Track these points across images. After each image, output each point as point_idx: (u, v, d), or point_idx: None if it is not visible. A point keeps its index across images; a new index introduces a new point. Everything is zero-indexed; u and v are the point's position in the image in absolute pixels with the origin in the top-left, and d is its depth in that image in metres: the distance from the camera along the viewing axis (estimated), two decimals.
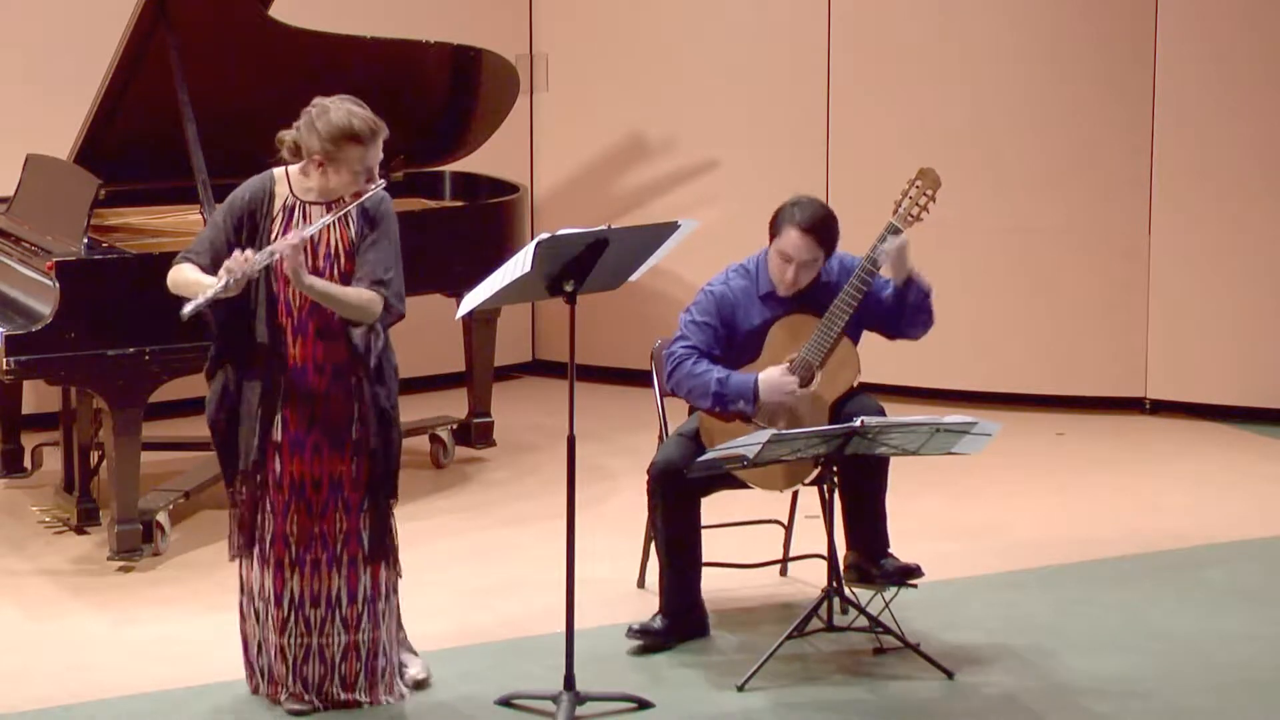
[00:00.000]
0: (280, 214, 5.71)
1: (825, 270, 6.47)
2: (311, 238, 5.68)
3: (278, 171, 5.78)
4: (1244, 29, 8.95)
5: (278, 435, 5.75)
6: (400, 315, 5.77)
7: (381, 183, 5.73)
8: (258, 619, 5.85)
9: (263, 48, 7.73)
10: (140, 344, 7.01)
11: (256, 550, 5.82)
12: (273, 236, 5.69)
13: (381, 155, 5.73)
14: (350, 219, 5.74)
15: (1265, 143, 8.98)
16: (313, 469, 5.77)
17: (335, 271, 5.72)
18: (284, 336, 5.72)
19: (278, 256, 5.59)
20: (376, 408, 5.77)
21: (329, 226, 5.71)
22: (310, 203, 5.72)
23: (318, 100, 5.73)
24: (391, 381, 5.82)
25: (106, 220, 7.88)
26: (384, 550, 5.85)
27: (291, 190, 5.74)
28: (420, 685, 6.00)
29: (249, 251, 5.58)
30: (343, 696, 5.84)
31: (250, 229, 5.71)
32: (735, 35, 9.57)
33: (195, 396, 8.97)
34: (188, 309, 5.59)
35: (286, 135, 5.74)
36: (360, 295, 5.69)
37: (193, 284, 5.65)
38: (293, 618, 5.80)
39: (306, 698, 5.82)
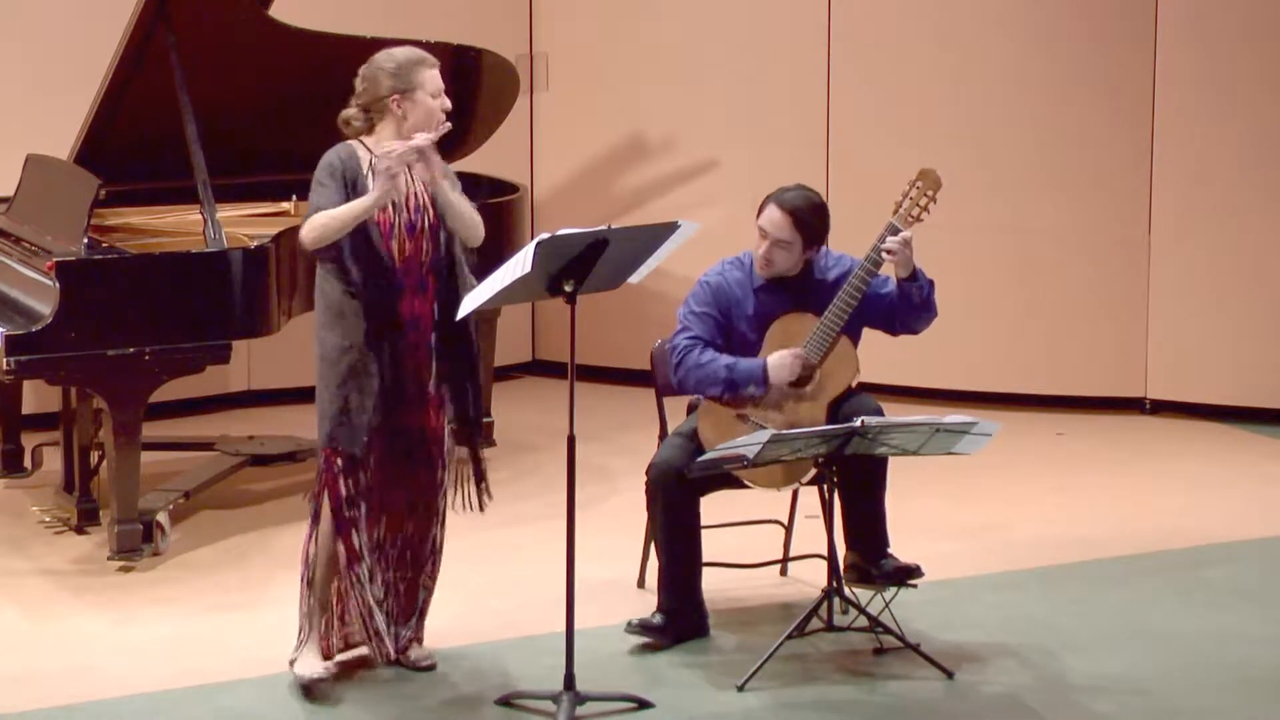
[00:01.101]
0: (369, 173, 5.84)
1: (821, 269, 6.47)
2: (399, 192, 5.86)
3: (352, 142, 5.92)
4: (1243, 30, 8.95)
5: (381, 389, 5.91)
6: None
7: (448, 124, 5.88)
8: (360, 580, 5.97)
9: (263, 48, 7.73)
10: (140, 344, 7.01)
11: (351, 511, 5.92)
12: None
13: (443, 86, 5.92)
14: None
15: (1264, 143, 8.98)
16: (402, 421, 5.95)
17: (425, 223, 5.92)
18: (388, 295, 5.87)
19: (419, 144, 5.77)
20: (466, 361, 6.00)
21: (410, 182, 5.87)
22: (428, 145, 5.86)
23: (366, 65, 5.93)
24: (479, 332, 6.07)
25: (106, 220, 7.87)
26: (444, 506, 6.09)
27: (373, 154, 5.86)
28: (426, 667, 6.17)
29: (393, 144, 5.78)
30: (408, 634, 6.12)
31: (351, 187, 5.82)
32: (735, 35, 9.57)
33: (195, 396, 9.04)
34: (386, 162, 5.72)
35: (349, 113, 5.93)
36: (474, 211, 5.97)
37: (343, 210, 5.78)
38: (382, 562, 6.02)
39: (391, 630, 6.05)
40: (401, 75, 5.86)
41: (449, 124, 5.91)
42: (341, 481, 5.92)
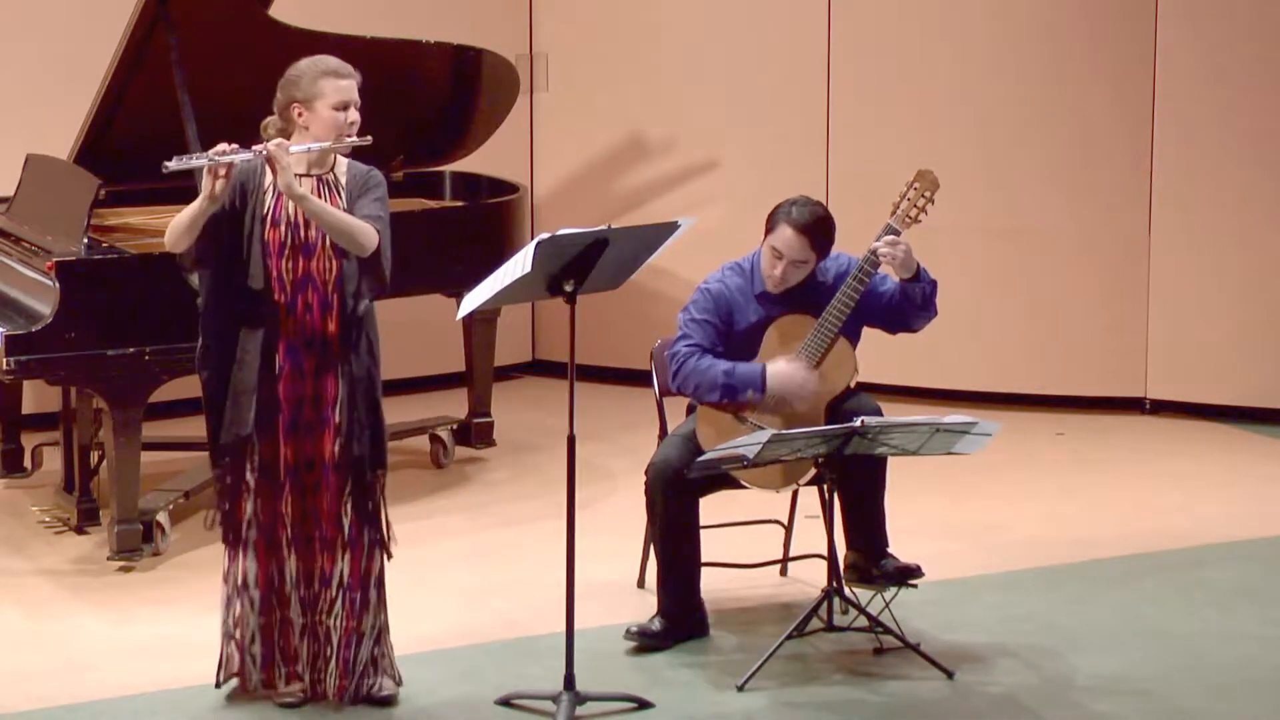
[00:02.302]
0: (270, 187, 5.73)
1: (821, 270, 6.46)
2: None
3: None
4: (1243, 29, 8.95)
5: (277, 415, 5.74)
6: (385, 283, 5.75)
7: (369, 138, 5.74)
8: (253, 606, 5.82)
9: (263, 48, 7.71)
10: (140, 344, 7.01)
11: (254, 535, 5.79)
12: (265, 209, 5.72)
13: (358, 101, 5.76)
14: (340, 189, 5.77)
15: (1265, 143, 8.98)
16: (305, 449, 5.76)
17: (328, 240, 5.72)
18: (276, 314, 5.73)
19: (264, 152, 5.61)
20: (362, 386, 5.76)
21: (319, 194, 5.70)
22: (301, 175, 5.73)
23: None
24: (375, 359, 5.80)
25: (106, 220, 7.88)
26: (370, 540, 5.81)
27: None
28: (386, 702, 5.90)
29: (224, 145, 5.64)
30: (331, 681, 5.83)
31: (241, 199, 5.72)
32: (735, 35, 9.57)
33: (195, 396, 8.99)
34: (172, 163, 5.66)
35: (269, 119, 5.81)
36: (353, 218, 5.70)
37: (185, 211, 5.68)
38: (292, 597, 5.80)
39: (299, 671, 5.83)
40: (301, 85, 5.72)
41: (355, 140, 5.71)
42: (229, 501, 5.81)
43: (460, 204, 8.79)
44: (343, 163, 5.82)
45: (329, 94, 5.72)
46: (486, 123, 8.72)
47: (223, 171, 5.61)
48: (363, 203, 5.75)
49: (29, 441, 8.24)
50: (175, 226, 5.72)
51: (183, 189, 7.63)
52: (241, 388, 5.75)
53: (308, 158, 5.73)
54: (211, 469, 5.88)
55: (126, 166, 7.74)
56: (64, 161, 7.71)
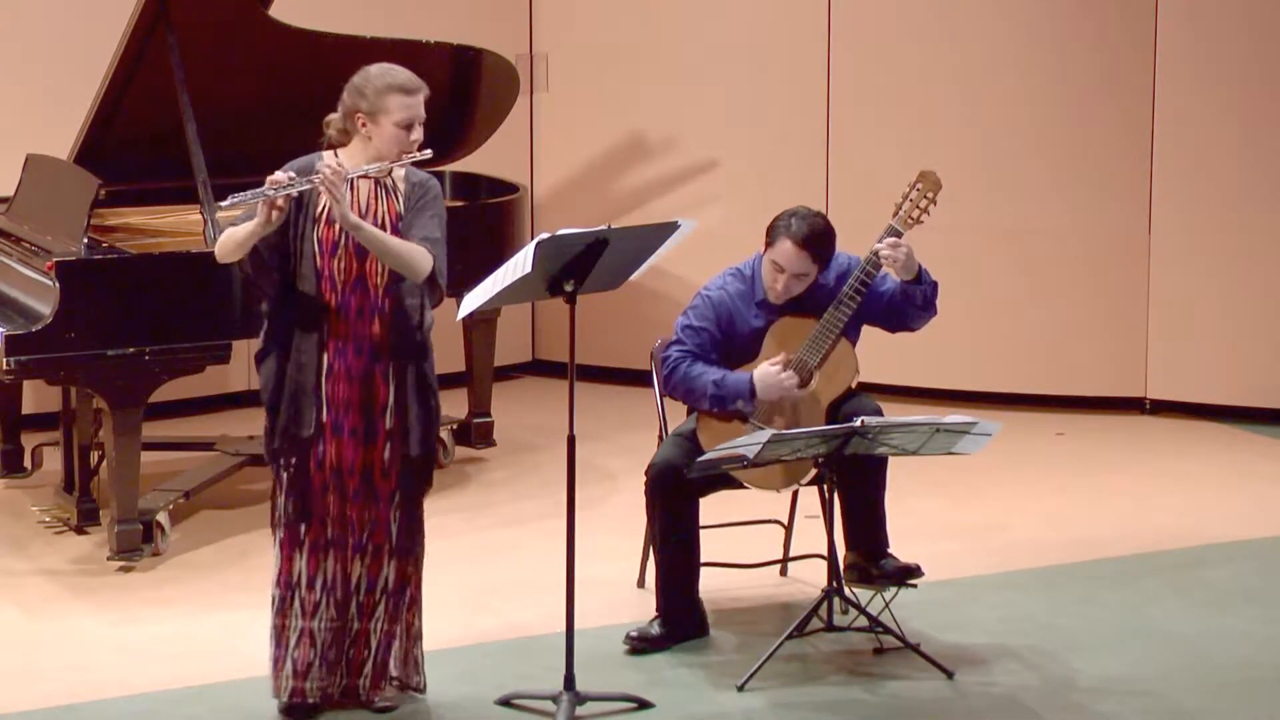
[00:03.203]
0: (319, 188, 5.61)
1: (823, 272, 6.46)
2: (359, 210, 5.64)
3: (326, 152, 5.72)
4: (1243, 29, 8.95)
5: (323, 415, 5.69)
6: (444, 292, 5.72)
7: (428, 152, 5.68)
8: (313, 610, 5.74)
9: (263, 48, 7.73)
10: (140, 344, 7.01)
11: (309, 536, 5.72)
12: (318, 211, 5.65)
13: (424, 116, 5.69)
14: (398, 194, 5.72)
15: (1264, 143, 8.98)
16: (348, 453, 5.70)
17: None
18: (327, 314, 5.67)
19: (318, 179, 5.51)
20: (416, 393, 5.73)
21: (376, 199, 5.67)
22: (358, 176, 5.66)
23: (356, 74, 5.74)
24: (431, 366, 5.77)
25: (106, 220, 7.88)
26: (411, 545, 5.79)
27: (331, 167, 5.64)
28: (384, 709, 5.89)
29: (291, 173, 5.56)
30: (345, 683, 5.79)
31: (296, 206, 5.64)
32: (735, 36, 9.57)
33: (195, 396, 9.04)
34: (227, 202, 5.55)
35: (332, 117, 5.73)
36: (409, 245, 5.63)
37: (239, 230, 5.60)
38: (324, 601, 5.74)
39: (323, 682, 5.76)
40: (368, 96, 5.62)
41: (415, 155, 5.66)
42: (280, 498, 5.75)
43: (460, 204, 8.79)
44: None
45: (395, 110, 5.63)
46: (486, 123, 8.72)
47: (280, 202, 5.53)
48: (420, 220, 5.69)
49: (29, 441, 8.25)
50: (226, 241, 5.64)
51: (183, 189, 7.67)
52: (301, 389, 5.69)
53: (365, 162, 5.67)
54: (274, 470, 5.78)
55: (126, 166, 7.75)
56: (64, 161, 7.71)
